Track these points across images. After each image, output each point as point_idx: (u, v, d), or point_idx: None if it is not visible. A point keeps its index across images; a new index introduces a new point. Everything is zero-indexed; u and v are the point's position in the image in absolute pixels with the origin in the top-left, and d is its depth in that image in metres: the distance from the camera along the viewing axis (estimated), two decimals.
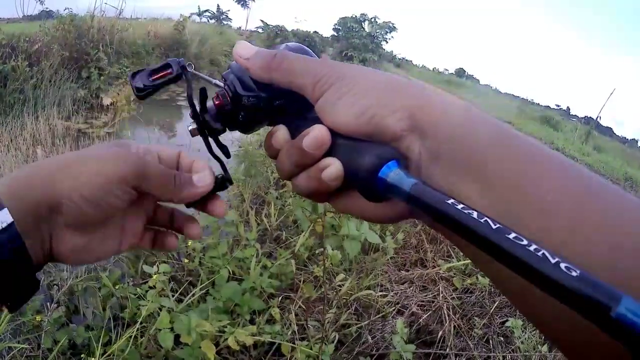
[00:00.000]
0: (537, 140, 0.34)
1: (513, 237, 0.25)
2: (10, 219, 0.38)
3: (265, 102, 0.45)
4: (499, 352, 2.45)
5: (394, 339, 2.15)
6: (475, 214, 0.27)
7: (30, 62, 6.92)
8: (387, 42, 23.47)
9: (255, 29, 29.88)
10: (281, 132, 0.44)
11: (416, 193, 0.32)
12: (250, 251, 2.52)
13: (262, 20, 31.51)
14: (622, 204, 0.29)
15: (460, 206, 0.29)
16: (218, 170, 0.52)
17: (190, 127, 0.48)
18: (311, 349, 1.99)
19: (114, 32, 8.96)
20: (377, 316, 2.50)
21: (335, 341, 2.17)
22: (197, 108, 0.48)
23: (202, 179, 0.48)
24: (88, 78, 7.83)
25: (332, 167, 0.38)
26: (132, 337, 1.80)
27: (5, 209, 0.37)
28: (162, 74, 0.48)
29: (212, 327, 1.80)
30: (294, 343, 2.04)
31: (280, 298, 2.44)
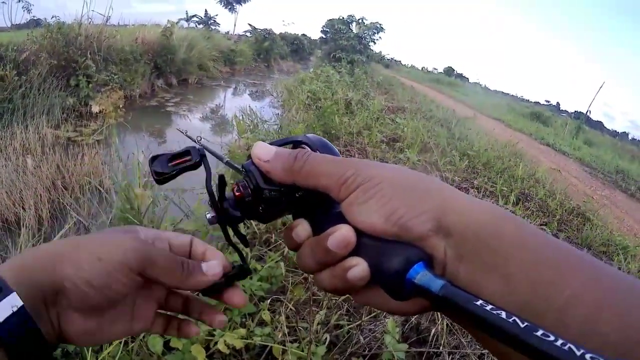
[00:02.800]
0: (555, 238, 0.35)
1: (541, 334, 0.26)
2: (20, 302, 0.38)
3: (287, 195, 0.45)
4: None
5: (385, 339, 2.15)
6: (504, 314, 0.28)
7: (19, 71, 6.90)
8: (375, 43, 23.38)
9: (244, 33, 29.84)
10: (303, 226, 0.45)
11: (445, 295, 0.33)
12: None
13: (250, 24, 31.45)
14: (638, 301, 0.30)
15: (489, 307, 0.30)
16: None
17: (208, 216, 0.48)
18: (302, 350, 2.00)
19: (102, 39, 8.92)
20: (368, 316, 2.50)
21: (327, 342, 2.17)
22: (216, 197, 0.48)
23: (212, 267, 0.48)
24: (77, 86, 7.80)
25: (358, 268, 0.39)
26: (122, 342, 1.80)
27: (14, 292, 0.38)
28: (181, 160, 0.48)
29: (201, 330, 1.80)
30: (285, 345, 2.05)
31: (270, 301, 2.44)
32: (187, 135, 0.58)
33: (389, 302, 0.39)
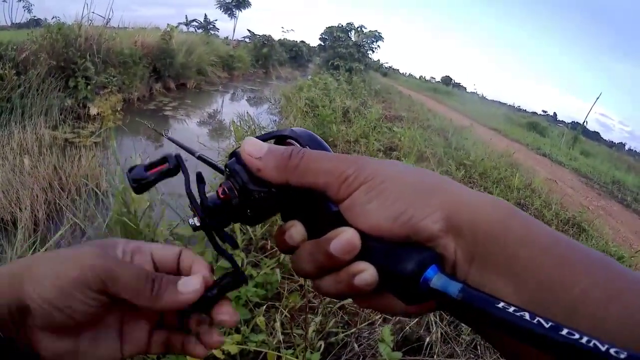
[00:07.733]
0: (563, 235, 0.34)
1: (566, 333, 0.26)
2: None
3: (277, 195, 0.42)
4: (487, 358, 2.45)
5: (380, 347, 2.15)
6: (527, 315, 0.28)
7: (18, 70, 6.92)
8: (373, 52, 23.44)
9: (243, 39, 29.93)
10: (297, 229, 0.41)
11: (465, 299, 0.32)
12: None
13: (249, 30, 31.59)
14: None
15: (511, 309, 0.29)
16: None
17: (191, 222, 0.44)
18: (297, 357, 2.00)
19: (101, 41, 8.95)
20: (363, 324, 2.49)
21: (322, 349, 2.16)
22: (198, 201, 0.44)
23: (188, 284, 0.42)
24: (75, 87, 7.82)
25: (366, 273, 0.36)
26: None
27: None
28: (158, 168, 0.45)
29: None
30: (279, 351, 2.04)
31: (265, 307, 2.43)
32: (154, 129, 0.56)
33: (394, 305, 0.38)
